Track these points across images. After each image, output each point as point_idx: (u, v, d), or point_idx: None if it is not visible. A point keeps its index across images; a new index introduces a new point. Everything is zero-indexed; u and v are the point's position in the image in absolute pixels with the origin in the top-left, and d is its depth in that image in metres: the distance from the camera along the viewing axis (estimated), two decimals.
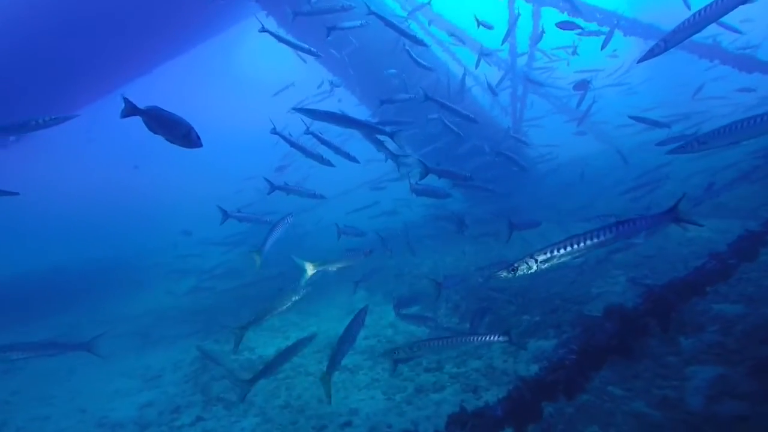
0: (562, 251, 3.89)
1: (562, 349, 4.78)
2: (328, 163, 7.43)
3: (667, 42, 4.50)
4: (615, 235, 3.87)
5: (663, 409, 4.46)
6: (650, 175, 11.86)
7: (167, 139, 4.00)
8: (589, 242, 3.87)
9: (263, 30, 7.43)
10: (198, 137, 4.02)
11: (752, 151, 10.85)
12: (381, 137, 7.09)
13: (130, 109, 3.78)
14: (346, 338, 5.20)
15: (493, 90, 10.31)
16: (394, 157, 7.25)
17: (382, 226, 15.53)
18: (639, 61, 4.89)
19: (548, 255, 3.88)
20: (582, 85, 11.94)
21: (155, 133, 3.90)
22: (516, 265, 3.90)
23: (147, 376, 8.35)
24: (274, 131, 7.02)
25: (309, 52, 7.87)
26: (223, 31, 20.85)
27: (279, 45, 7.99)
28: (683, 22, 4.36)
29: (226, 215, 6.51)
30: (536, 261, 3.90)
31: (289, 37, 8.31)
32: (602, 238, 3.87)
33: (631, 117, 9.24)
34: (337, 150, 7.26)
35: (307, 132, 7.12)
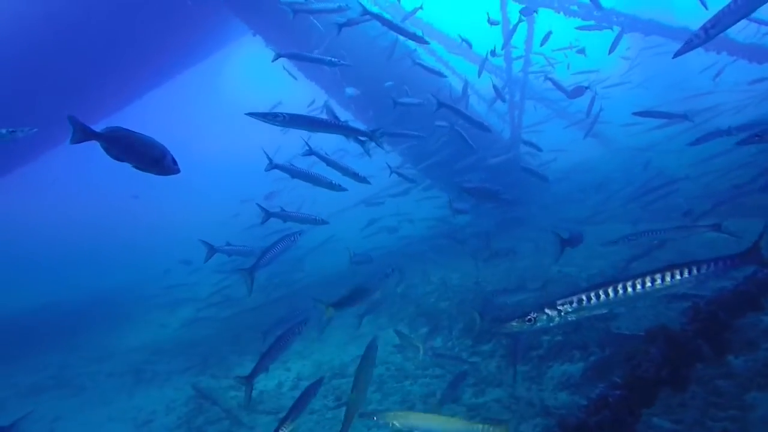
0: (594, 300, 3.27)
1: (602, 383, 4.18)
2: (339, 188, 6.87)
3: (707, 31, 3.98)
4: (672, 282, 3.29)
5: None
6: (658, 179, 11.37)
7: (137, 167, 3.40)
8: (632, 291, 3.27)
9: (277, 58, 6.86)
10: (174, 162, 3.44)
11: (764, 149, 10.38)
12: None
13: (82, 133, 3.07)
14: (358, 392, 4.52)
15: (500, 95, 9.79)
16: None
17: (382, 243, 14.97)
18: (675, 56, 4.37)
19: (575, 305, 3.26)
20: (577, 92, 11.50)
21: (119, 160, 3.30)
22: (533, 316, 3.28)
23: (138, 420, 7.68)
24: (308, 152, 6.47)
25: (330, 63, 7.32)
26: (206, 58, 20.51)
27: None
28: (724, 9, 3.84)
29: (212, 250, 5.95)
30: (559, 312, 3.29)
31: (303, 53, 7.85)
32: (653, 285, 3.29)
33: (637, 114, 8.65)
34: (344, 170, 6.72)
35: (308, 153, 6.58)
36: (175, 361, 11.14)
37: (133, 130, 3.36)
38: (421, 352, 6.40)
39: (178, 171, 3.47)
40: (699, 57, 10.21)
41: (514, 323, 3.30)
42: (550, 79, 10.16)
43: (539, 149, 9.95)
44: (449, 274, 11.21)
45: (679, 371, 3.61)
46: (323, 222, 6.79)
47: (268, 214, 6.28)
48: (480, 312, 6.35)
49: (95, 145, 3.39)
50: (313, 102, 15.29)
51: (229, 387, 8.66)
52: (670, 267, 3.32)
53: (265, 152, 6.39)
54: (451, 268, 11.50)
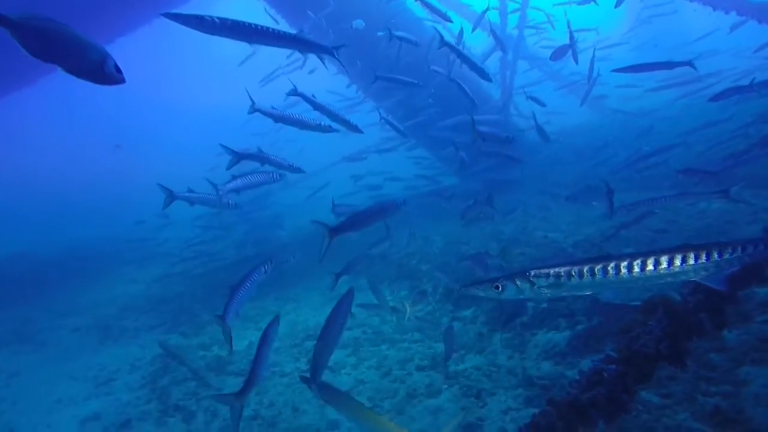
0: (576, 278, 2.75)
1: (589, 353, 3.88)
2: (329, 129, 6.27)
3: None
4: (682, 269, 2.75)
5: (717, 425, 3.59)
6: (653, 146, 11.00)
7: (69, 70, 2.76)
8: (627, 273, 2.72)
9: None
10: (119, 70, 2.84)
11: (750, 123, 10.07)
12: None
13: None
14: (328, 336, 4.19)
15: (501, 44, 9.08)
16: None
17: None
18: None
19: (552, 279, 2.77)
20: (560, 53, 10.96)
21: (44, 59, 2.64)
22: (501, 283, 2.87)
23: (99, 378, 7.29)
24: (293, 91, 5.87)
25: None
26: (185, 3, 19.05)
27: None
28: None
29: (171, 197, 5.35)
30: (531, 284, 2.81)
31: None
32: (656, 269, 2.74)
33: (624, 69, 7.85)
34: (335, 116, 6.14)
35: (294, 93, 5.96)
36: (145, 317, 10.73)
37: (64, 23, 2.69)
38: (407, 314, 6.04)
39: (122, 80, 2.87)
40: (702, 19, 9.69)
41: (480, 289, 2.91)
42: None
43: (543, 104, 9.44)
44: (432, 235, 10.86)
45: (678, 345, 3.30)
46: (299, 170, 6.25)
47: (237, 156, 5.68)
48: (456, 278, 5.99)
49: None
50: (292, 53, 14.42)
51: (199, 346, 8.30)
52: (684, 248, 2.77)
53: (248, 93, 5.72)
54: (434, 229, 11.15)
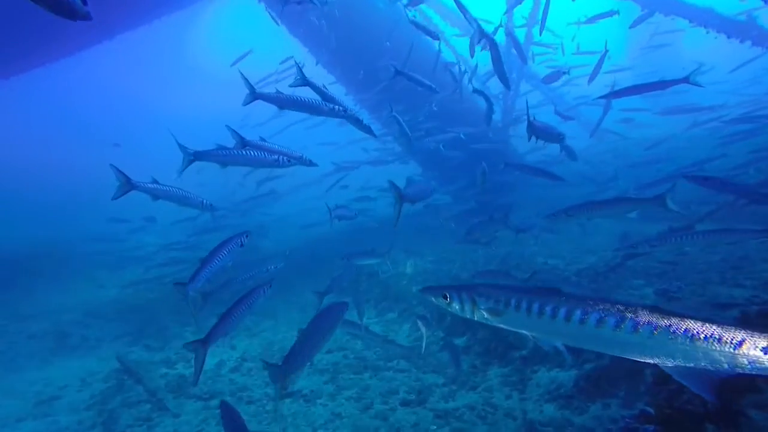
0: (514, 311, 2.26)
1: (627, 411, 3.24)
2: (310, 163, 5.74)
3: None
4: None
5: None
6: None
7: (45, 6, 2.80)
8: (577, 325, 2.09)
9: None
10: (85, 3, 2.82)
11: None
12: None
13: None
14: (313, 336, 3.75)
15: (522, 55, 8.60)
16: None
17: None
18: None
19: (494, 306, 2.32)
20: (554, 77, 10.63)
21: None
22: (448, 294, 2.49)
23: (42, 395, 6.45)
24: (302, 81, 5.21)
25: None
26: (178, 9, 18.59)
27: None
28: None
29: (127, 185, 4.54)
30: (473, 302, 2.39)
31: None
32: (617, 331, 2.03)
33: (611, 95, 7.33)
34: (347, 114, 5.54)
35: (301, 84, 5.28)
36: (109, 326, 9.90)
37: None
38: (425, 338, 5.36)
39: (88, 17, 2.85)
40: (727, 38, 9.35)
41: (431, 294, 2.59)
42: None
43: (570, 118, 8.91)
44: (425, 255, 10.22)
45: (732, 403, 2.68)
46: (311, 163, 5.57)
47: (243, 142, 4.95)
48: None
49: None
50: (286, 60, 13.95)
51: (163, 362, 7.52)
52: (661, 314, 2.01)
53: (245, 78, 5.02)
54: (426, 249, 10.51)
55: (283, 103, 5.04)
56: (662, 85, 6.73)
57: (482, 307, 2.35)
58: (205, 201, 4.98)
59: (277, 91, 5.11)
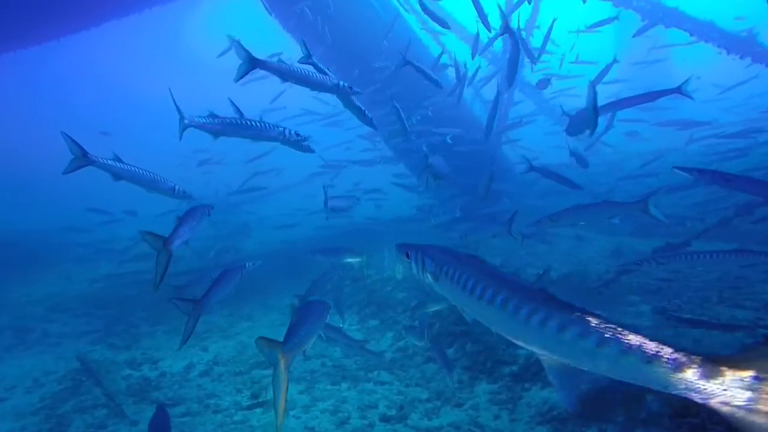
0: (447, 279, 2.17)
1: (597, 423, 2.89)
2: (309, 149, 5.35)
3: None
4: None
5: None
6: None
7: None
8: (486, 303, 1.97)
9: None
10: None
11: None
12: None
13: None
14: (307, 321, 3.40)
15: (532, 57, 8.26)
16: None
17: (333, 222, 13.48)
18: None
19: (435, 270, 2.25)
20: (544, 83, 10.50)
21: None
22: (410, 254, 2.49)
23: None
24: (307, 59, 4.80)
25: None
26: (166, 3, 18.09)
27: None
28: None
29: (82, 159, 3.96)
30: (421, 263, 2.38)
31: None
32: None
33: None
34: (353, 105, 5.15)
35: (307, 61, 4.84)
36: (75, 322, 9.35)
37: None
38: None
39: None
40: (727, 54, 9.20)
41: (400, 252, 2.56)
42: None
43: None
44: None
45: None
46: (309, 150, 5.15)
47: (240, 114, 4.50)
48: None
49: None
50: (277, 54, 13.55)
51: (127, 363, 7.02)
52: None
53: (240, 45, 4.50)
54: None
55: (285, 74, 4.56)
56: (653, 96, 6.43)
57: (428, 270, 2.29)
58: (177, 187, 4.50)
59: (280, 60, 4.67)
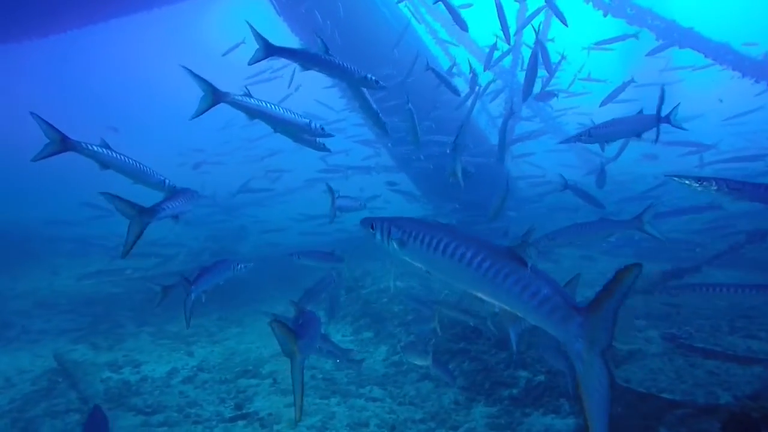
0: (415, 242, 2.36)
1: None
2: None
3: None
4: None
5: None
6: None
7: None
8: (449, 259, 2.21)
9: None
10: None
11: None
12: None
13: None
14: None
15: (550, 70, 8.01)
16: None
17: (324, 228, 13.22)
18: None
19: (402, 236, 2.40)
20: (546, 96, 10.35)
21: None
22: (374, 224, 2.55)
23: None
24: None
25: None
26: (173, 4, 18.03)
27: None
28: None
29: (61, 143, 3.52)
30: (389, 236, 2.46)
31: None
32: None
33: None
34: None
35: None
36: (59, 318, 9.03)
37: None
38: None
39: None
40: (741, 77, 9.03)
41: (363, 225, 2.59)
42: None
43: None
44: (412, 275, 9.55)
45: None
46: (323, 147, 4.91)
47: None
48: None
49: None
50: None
51: (107, 365, 6.70)
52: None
53: (255, 32, 4.19)
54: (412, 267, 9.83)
55: (305, 60, 4.30)
56: (637, 125, 5.64)
57: (393, 237, 2.36)
58: (167, 181, 4.22)
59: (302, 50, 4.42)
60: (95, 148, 3.78)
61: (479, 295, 2.14)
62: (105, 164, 3.84)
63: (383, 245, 2.48)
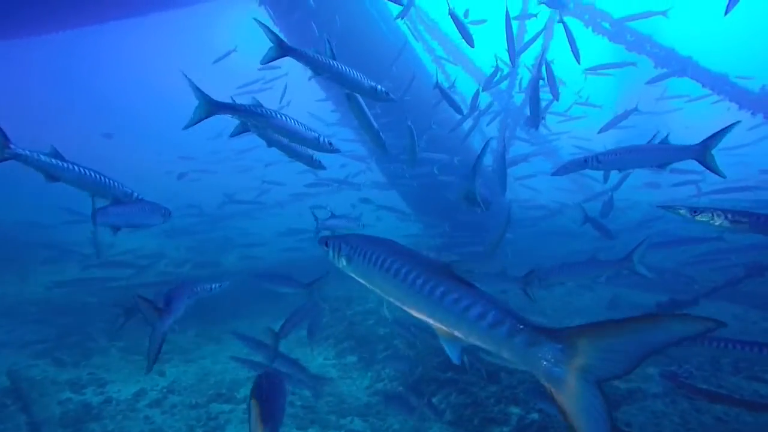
0: (360, 259, 2.32)
1: None
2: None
3: None
4: None
5: None
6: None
7: None
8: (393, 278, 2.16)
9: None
10: None
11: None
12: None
13: None
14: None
15: (555, 93, 7.78)
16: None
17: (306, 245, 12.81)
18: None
19: (350, 252, 2.35)
20: (533, 121, 10.17)
21: None
22: (328, 242, 2.53)
23: None
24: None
25: None
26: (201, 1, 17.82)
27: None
28: None
29: (4, 149, 3.03)
30: (340, 252, 2.44)
31: None
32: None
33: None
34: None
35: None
36: (22, 329, 8.50)
37: None
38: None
39: None
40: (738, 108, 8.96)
41: (320, 243, 2.57)
42: None
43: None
44: None
45: None
46: (319, 165, 4.94)
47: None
48: None
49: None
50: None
51: (69, 383, 6.23)
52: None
53: (267, 28, 3.97)
54: None
55: (318, 66, 4.03)
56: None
57: (342, 254, 2.34)
58: (135, 194, 3.82)
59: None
60: (42, 158, 3.29)
61: (420, 316, 1.98)
62: (53, 176, 3.37)
63: (335, 262, 2.44)
